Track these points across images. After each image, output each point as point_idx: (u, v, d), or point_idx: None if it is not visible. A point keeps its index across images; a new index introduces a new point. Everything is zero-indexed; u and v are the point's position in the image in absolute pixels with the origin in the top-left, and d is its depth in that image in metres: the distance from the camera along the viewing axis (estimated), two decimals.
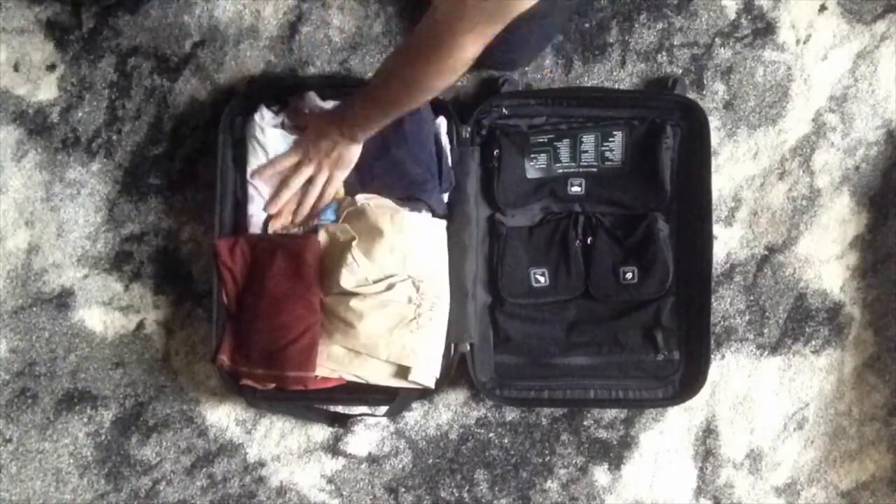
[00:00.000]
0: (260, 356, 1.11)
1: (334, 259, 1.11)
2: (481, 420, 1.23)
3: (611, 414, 1.23)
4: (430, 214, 1.14)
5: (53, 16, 1.22)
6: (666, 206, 1.17)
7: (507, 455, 1.23)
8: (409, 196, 1.12)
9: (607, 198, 1.18)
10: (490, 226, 1.20)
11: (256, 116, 1.13)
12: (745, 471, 1.23)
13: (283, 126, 1.14)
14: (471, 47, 0.87)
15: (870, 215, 1.23)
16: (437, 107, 1.15)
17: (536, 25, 1.10)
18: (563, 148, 1.17)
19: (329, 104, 1.14)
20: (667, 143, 1.16)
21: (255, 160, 1.13)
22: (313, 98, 1.14)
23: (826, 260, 1.23)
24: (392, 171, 1.12)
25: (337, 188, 1.13)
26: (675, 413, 1.23)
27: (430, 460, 1.23)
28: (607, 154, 1.17)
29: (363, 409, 1.22)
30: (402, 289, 1.11)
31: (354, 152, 1.10)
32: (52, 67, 1.22)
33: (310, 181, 1.12)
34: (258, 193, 1.14)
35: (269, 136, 1.13)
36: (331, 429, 1.22)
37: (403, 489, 1.23)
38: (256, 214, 1.14)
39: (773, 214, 1.23)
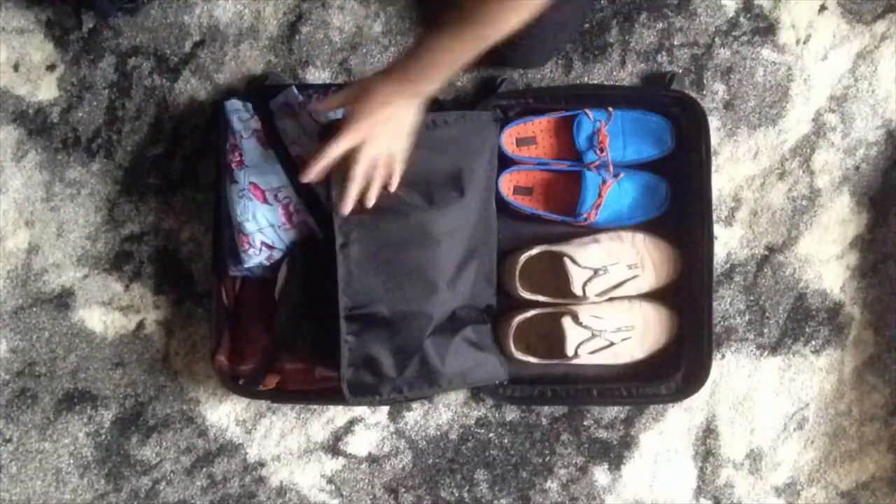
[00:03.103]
0: (259, 351, 1.12)
1: None
2: (481, 420, 1.23)
3: (611, 414, 1.23)
4: None
5: (53, 16, 1.22)
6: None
7: (507, 455, 1.23)
8: None
9: None
10: None
11: (234, 119, 1.12)
12: (745, 471, 1.23)
13: (259, 136, 1.11)
14: None
15: (870, 215, 1.23)
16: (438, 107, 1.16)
17: (555, 19, 1.09)
18: None
19: (313, 98, 1.13)
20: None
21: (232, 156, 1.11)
22: (294, 92, 1.13)
23: (826, 260, 1.23)
24: None
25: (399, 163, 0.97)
26: (675, 413, 1.23)
27: (430, 460, 1.23)
28: None
29: (363, 408, 1.22)
30: None
31: (416, 115, 0.92)
32: (52, 67, 1.22)
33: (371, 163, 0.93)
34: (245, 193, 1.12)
35: (247, 146, 1.11)
36: (331, 429, 1.22)
37: (403, 489, 1.23)
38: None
39: (773, 214, 1.23)
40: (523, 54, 1.15)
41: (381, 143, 0.92)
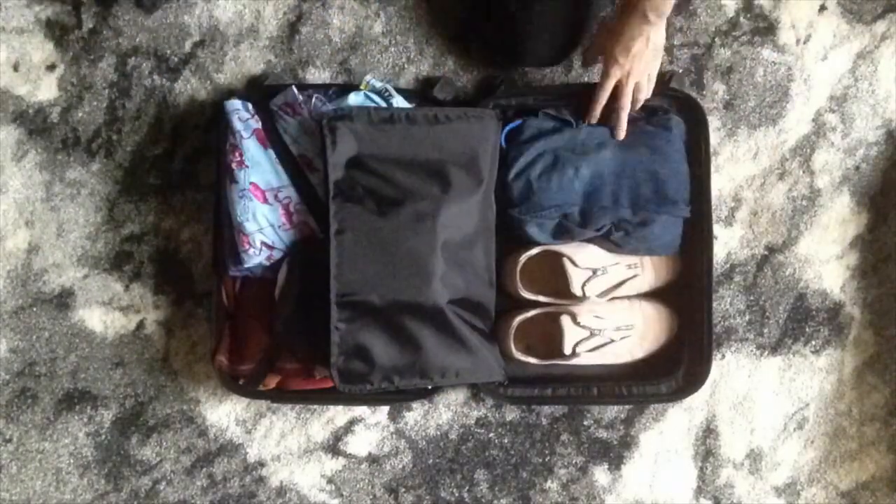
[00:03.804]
0: (259, 351, 1.12)
1: None
2: (481, 420, 1.23)
3: (611, 414, 1.23)
4: None
5: (53, 16, 1.22)
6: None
7: (507, 455, 1.23)
8: None
9: None
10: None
11: (234, 119, 1.12)
12: (745, 471, 1.23)
13: (258, 133, 1.11)
14: None
15: (870, 215, 1.23)
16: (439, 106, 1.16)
17: (562, 17, 1.13)
18: None
19: (312, 97, 1.13)
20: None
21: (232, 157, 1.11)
22: (294, 92, 1.13)
23: (826, 260, 1.23)
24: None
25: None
26: (675, 413, 1.23)
27: (430, 460, 1.23)
28: None
29: (363, 408, 1.22)
30: None
31: (663, 33, 1.04)
32: (52, 67, 1.22)
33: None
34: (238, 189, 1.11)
35: (247, 146, 1.11)
36: (331, 429, 1.22)
37: (403, 489, 1.23)
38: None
39: (773, 214, 1.23)
40: (538, 52, 1.16)
41: (641, 71, 1.06)
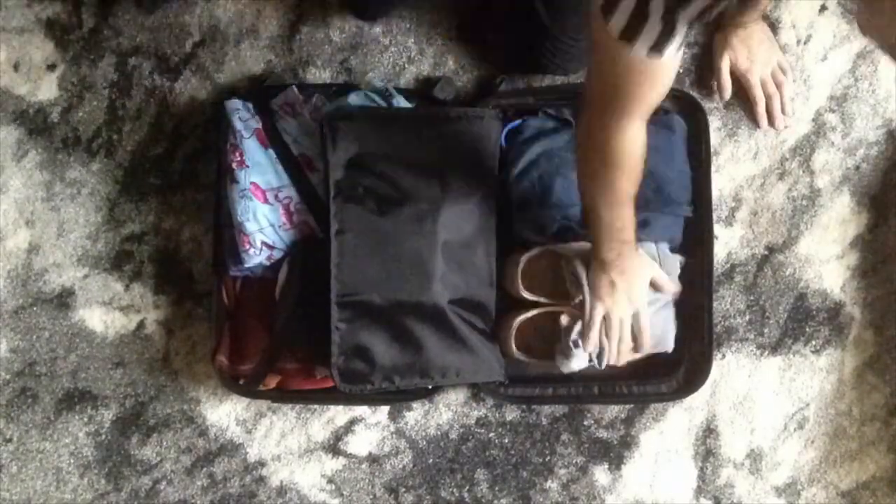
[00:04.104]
0: (260, 351, 1.12)
1: None
2: (481, 420, 1.23)
3: (611, 414, 1.23)
4: None
5: (53, 15, 1.22)
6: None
7: (508, 455, 1.23)
8: None
9: None
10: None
11: (234, 118, 1.12)
12: (745, 471, 1.23)
13: (259, 132, 1.11)
14: (629, 128, 0.87)
15: (870, 215, 1.23)
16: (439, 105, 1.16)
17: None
18: None
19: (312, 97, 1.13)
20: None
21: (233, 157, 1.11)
22: (294, 92, 1.13)
23: (826, 260, 1.23)
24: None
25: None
26: (675, 413, 1.23)
27: (431, 460, 1.23)
28: None
29: (363, 408, 1.22)
30: None
31: (639, 265, 1.03)
32: (52, 67, 1.22)
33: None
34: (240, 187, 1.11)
35: (248, 146, 1.11)
36: (332, 428, 1.22)
37: (403, 489, 1.23)
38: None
39: (773, 214, 1.23)
40: (561, 63, 1.16)
41: (623, 307, 1.02)
